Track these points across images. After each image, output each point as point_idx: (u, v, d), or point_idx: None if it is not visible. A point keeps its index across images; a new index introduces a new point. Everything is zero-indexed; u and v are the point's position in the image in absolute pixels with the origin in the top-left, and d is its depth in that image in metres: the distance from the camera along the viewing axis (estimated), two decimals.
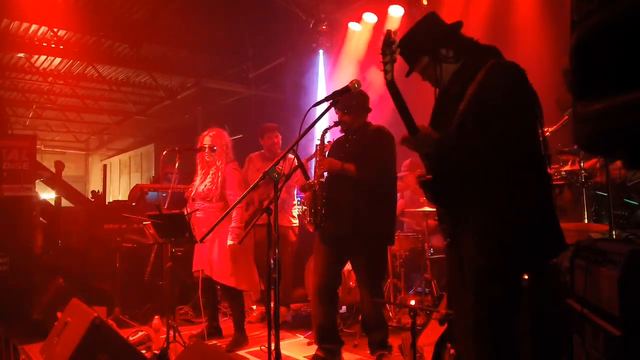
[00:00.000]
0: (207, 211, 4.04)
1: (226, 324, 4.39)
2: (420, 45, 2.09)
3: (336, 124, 3.49)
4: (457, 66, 2.06)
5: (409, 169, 5.36)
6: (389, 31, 1.94)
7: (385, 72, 1.92)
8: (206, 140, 4.13)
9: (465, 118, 1.90)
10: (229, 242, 3.91)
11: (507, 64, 1.96)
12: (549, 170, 2.05)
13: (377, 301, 3.44)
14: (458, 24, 2.11)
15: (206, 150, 4.08)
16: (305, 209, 3.56)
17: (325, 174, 3.49)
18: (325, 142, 3.50)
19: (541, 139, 1.91)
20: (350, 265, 3.78)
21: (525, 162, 1.86)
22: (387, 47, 1.92)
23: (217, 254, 3.95)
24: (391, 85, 1.91)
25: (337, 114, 3.50)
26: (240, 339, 4.02)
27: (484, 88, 1.88)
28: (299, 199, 5.11)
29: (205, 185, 4.07)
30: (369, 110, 3.57)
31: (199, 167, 4.24)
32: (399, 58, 1.97)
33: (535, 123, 1.89)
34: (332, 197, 3.50)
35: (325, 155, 3.47)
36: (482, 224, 1.91)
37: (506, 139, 1.83)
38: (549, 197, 1.94)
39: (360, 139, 3.50)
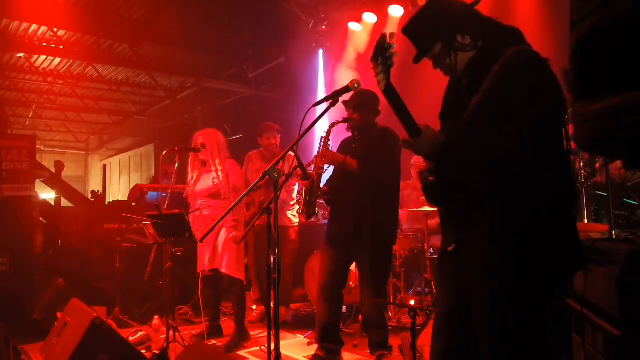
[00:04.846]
0: (215, 208, 4.05)
1: (226, 324, 4.39)
2: (432, 30, 1.81)
3: (345, 120, 3.50)
4: (473, 53, 1.79)
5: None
6: (383, 35, 1.68)
7: (378, 82, 1.68)
8: (198, 139, 4.15)
9: (479, 115, 1.68)
10: (224, 235, 3.98)
11: (528, 54, 1.68)
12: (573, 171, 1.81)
13: (377, 301, 3.44)
14: (476, 2, 1.84)
15: (198, 149, 4.12)
16: (299, 199, 3.57)
17: (327, 167, 3.51)
18: (330, 139, 3.52)
19: (564, 135, 1.66)
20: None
21: (546, 170, 1.60)
22: (379, 54, 1.66)
23: (223, 248, 3.97)
24: (387, 92, 1.67)
25: (347, 111, 3.52)
26: (243, 334, 4.04)
27: (502, 82, 1.64)
28: (298, 198, 5.12)
29: (208, 183, 4.08)
30: (378, 112, 3.57)
31: (190, 167, 4.25)
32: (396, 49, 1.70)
33: (560, 124, 1.64)
34: (336, 198, 3.52)
35: (329, 147, 3.48)
36: (494, 240, 1.64)
37: (526, 144, 1.58)
38: (571, 207, 1.67)
39: (366, 140, 3.52)
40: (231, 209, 2.39)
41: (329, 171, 3.70)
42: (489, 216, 1.66)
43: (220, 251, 3.99)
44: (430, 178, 1.75)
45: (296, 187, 5.01)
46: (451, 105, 1.91)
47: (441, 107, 1.96)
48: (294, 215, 5.01)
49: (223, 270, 3.96)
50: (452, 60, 1.80)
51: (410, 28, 1.85)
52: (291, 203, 4.99)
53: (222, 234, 4.01)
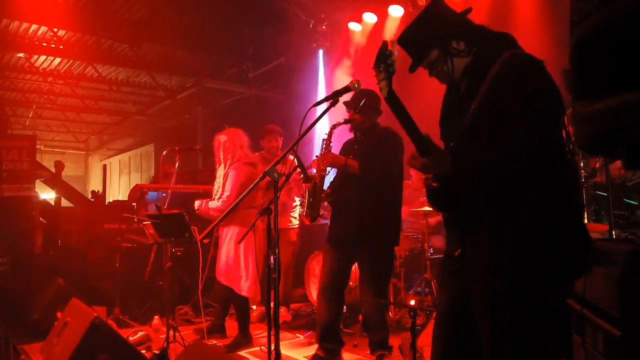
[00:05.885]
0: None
1: (230, 324, 4.39)
2: (428, 37, 1.84)
3: (346, 121, 3.50)
4: (468, 59, 1.82)
5: None
6: (384, 42, 1.71)
7: (380, 89, 1.70)
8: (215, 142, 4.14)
9: (478, 118, 1.70)
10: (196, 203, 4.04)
11: (522, 57, 1.72)
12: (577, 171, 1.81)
13: (378, 301, 3.44)
14: (467, 11, 1.88)
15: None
16: (302, 201, 3.57)
17: (329, 169, 3.51)
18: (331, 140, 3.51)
19: (564, 135, 1.66)
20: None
21: (545, 170, 1.61)
22: (381, 60, 1.69)
23: (225, 258, 3.94)
24: (390, 98, 1.69)
25: (347, 112, 3.52)
26: (246, 339, 4.00)
27: (498, 85, 1.66)
28: (301, 200, 5.12)
29: (215, 186, 4.10)
30: (380, 112, 3.57)
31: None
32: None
33: (559, 127, 1.64)
34: (339, 198, 3.52)
35: (330, 149, 3.49)
36: (493, 240, 1.64)
37: (523, 145, 1.58)
38: (573, 208, 1.65)
39: (368, 140, 3.52)
40: (228, 212, 2.38)
41: (332, 173, 3.69)
42: (489, 217, 1.67)
43: (221, 262, 3.96)
44: (434, 184, 1.76)
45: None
46: (450, 111, 1.93)
47: (440, 114, 1.98)
48: (294, 217, 5.01)
49: (223, 281, 3.93)
50: (449, 66, 1.83)
51: (405, 37, 1.87)
52: (293, 205, 4.99)
53: (226, 246, 3.96)
